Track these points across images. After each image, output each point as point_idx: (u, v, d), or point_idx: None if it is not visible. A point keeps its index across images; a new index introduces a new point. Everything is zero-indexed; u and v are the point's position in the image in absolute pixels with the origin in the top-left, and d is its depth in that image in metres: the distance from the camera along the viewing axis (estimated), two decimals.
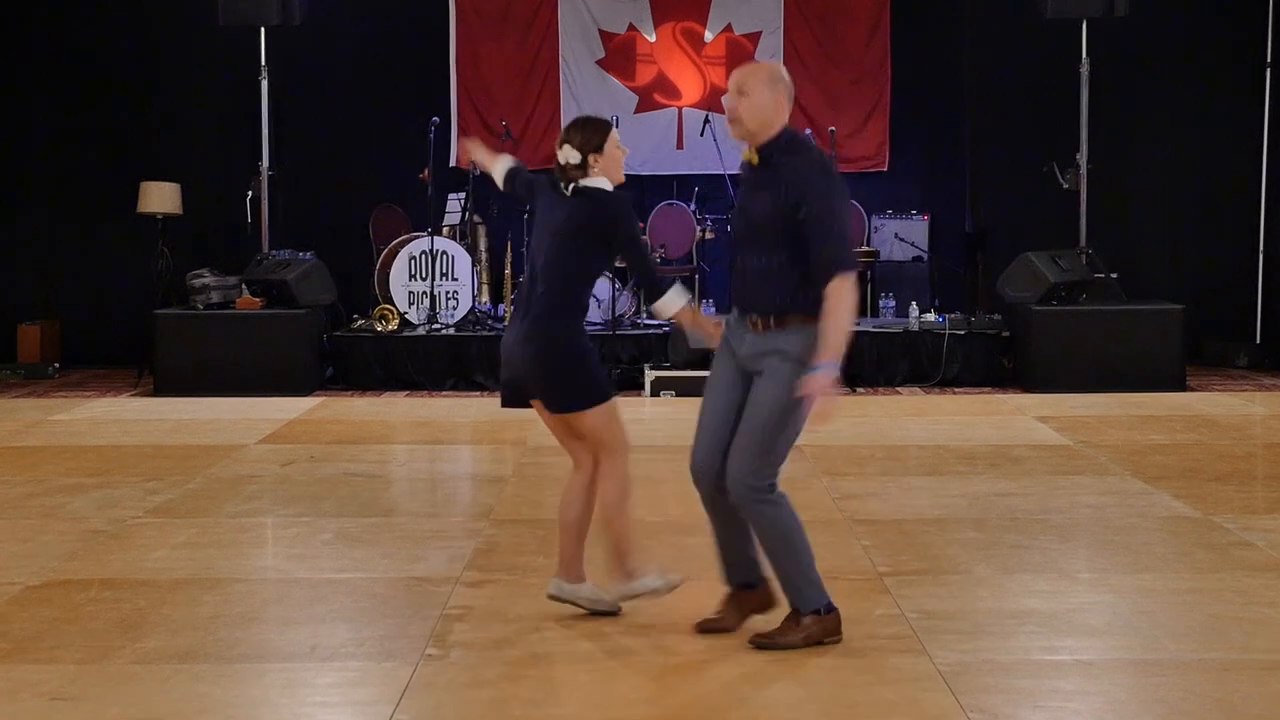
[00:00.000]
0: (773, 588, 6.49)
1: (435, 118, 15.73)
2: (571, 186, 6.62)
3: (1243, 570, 7.53)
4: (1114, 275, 15.19)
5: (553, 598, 6.77)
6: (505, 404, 6.89)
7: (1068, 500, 9.33)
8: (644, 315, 15.84)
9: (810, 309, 6.12)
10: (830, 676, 5.95)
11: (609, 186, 6.65)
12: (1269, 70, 16.56)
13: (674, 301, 6.69)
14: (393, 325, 15.09)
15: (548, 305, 6.56)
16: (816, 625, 6.30)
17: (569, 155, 6.61)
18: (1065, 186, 15.41)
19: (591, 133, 6.66)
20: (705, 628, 6.54)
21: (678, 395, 14.07)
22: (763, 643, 6.30)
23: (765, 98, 6.25)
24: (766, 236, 6.22)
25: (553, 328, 6.55)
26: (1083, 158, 15.35)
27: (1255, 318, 16.71)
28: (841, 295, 6.06)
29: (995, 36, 16.74)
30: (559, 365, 6.57)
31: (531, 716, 5.60)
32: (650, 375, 14.28)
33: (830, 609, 6.33)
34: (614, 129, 6.76)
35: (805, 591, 6.32)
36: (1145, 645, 6.36)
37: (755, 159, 6.31)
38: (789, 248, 6.15)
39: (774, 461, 6.20)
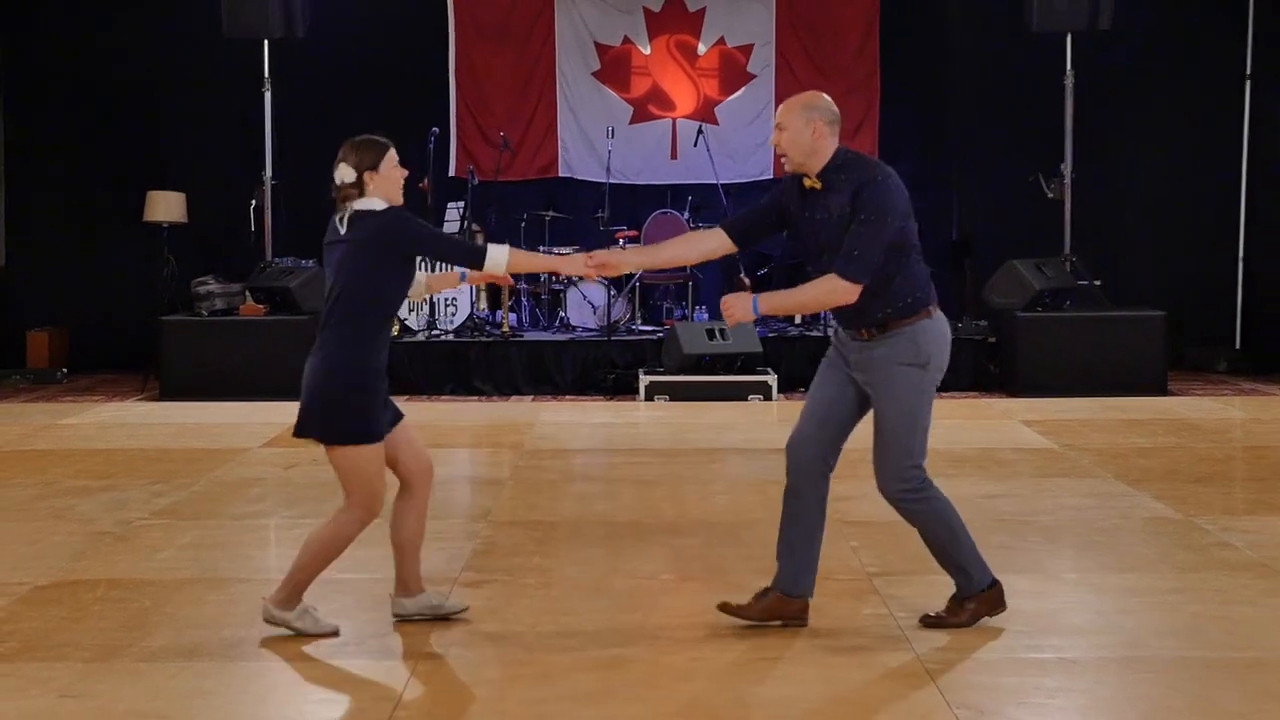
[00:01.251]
0: (809, 605, 6.53)
1: (435, 128, 15.74)
2: (346, 218, 6.37)
3: (1223, 570, 7.54)
4: (1097, 282, 15.21)
5: (398, 616, 6.68)
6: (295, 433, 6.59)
7: (1052, 502, 9.34)
8: (638, 322, 15.86)
9: (904, 313, 6.29)
10: (820, 673, 5.95)
11: (380, 206, 6.38)
12: (1248, 82, 16.59)
13: (497, 256, 6.41)
14: (393, 331, 15.07)
15: (337, 333, 6.37)
16: (981, 604, 6.50)
17: (344, 174, 6.39)
18: (1050, 196, 15.43)
19: (366, 152, 6.44)
20: (726, 609, 6.60)
21: (671, 400, 14.07)
22: (932, 622, 6.49)
23: (800, 128, 6.35)
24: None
25: (335, 355, 6.37)
26: (1067, 167, 15.37)
27: (1235, 324, 16.74)
28: (823, 285, 6.22)
29: (982, 49, 16.76)
30: (324, 391, 6.42)
31: (528, 714, 5.60)
32: (645, 380, 14.28)
33: (993, 583, 6.52)
34: (391, 149, 6.51)
35: (970, 572, 6.49)
36: (1128, 643, 6.36)
37: (819, 185, 6.39)
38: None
39: (915, 459, 6.36)
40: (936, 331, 6.36)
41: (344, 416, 6.36)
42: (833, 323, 6.56)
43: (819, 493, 6.50)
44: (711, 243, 6.73)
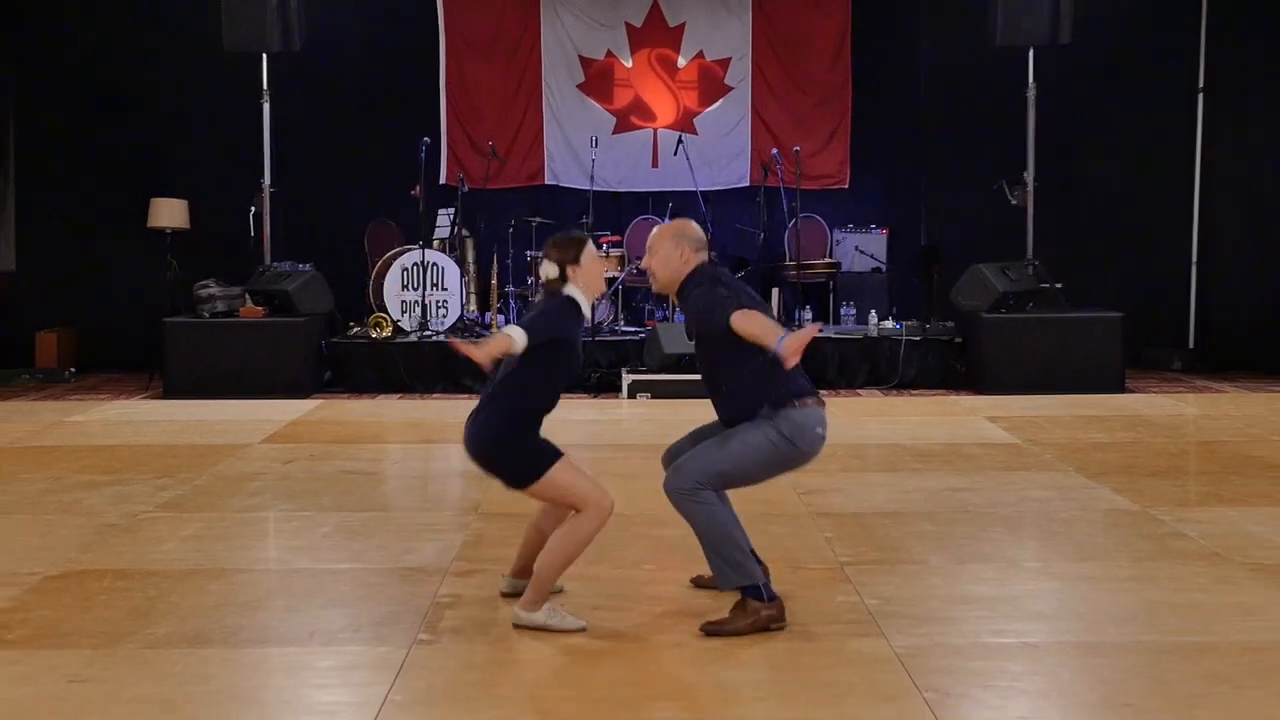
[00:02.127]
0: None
1: (426, 138, 15.73)
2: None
3: (1177, 559, 7.57)
4: (1058, 285, 15.24)
5: (505, 594, 6.78)
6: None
7: (1015, 494, 9.36)
8: (621, 323, 15.86)
9: (782, 404, 6.31)
10: (794, 659, 5.97)
11: (578, 296, 6.45)
12: (1201, 95, 16.62)
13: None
14: (387, 332, 15.09)
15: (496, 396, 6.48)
16: (767, 611, 6.34)
17: (548, 270, 6.48)
18: (1014, 203, 15.45)
19: (567, 247, 6.49)
20: (700, 583, 6.78)
21: (653, 397, 14.08)
22: (711, 629, 6.33)
23: (670, 254, 6.53)
24: (715, 357, 6.44)
25: (502, 410, 6.44)
26: (1030, 175, 15.40)
27: (1189, 325, 16.78)
28: (745, 316, 6.17)
29: (949, 63, 16.78)
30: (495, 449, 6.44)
31: (517, 696, 5.61)
32: (627, 379, 14.29)
33: (773, 596, 6.37)
34: (590, 243, 6.56)
35: (738, 569, 6.36)
36: (1087, 629, 6.39)
37: (677, 300, 6.64)
38: (738, 361, 6.31)
39: (707, 480, 6.30)
40: (799, 417, 6.32)
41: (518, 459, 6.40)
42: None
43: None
44: None
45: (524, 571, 6.77)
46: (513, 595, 6.78)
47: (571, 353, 6.47)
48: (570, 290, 6.46)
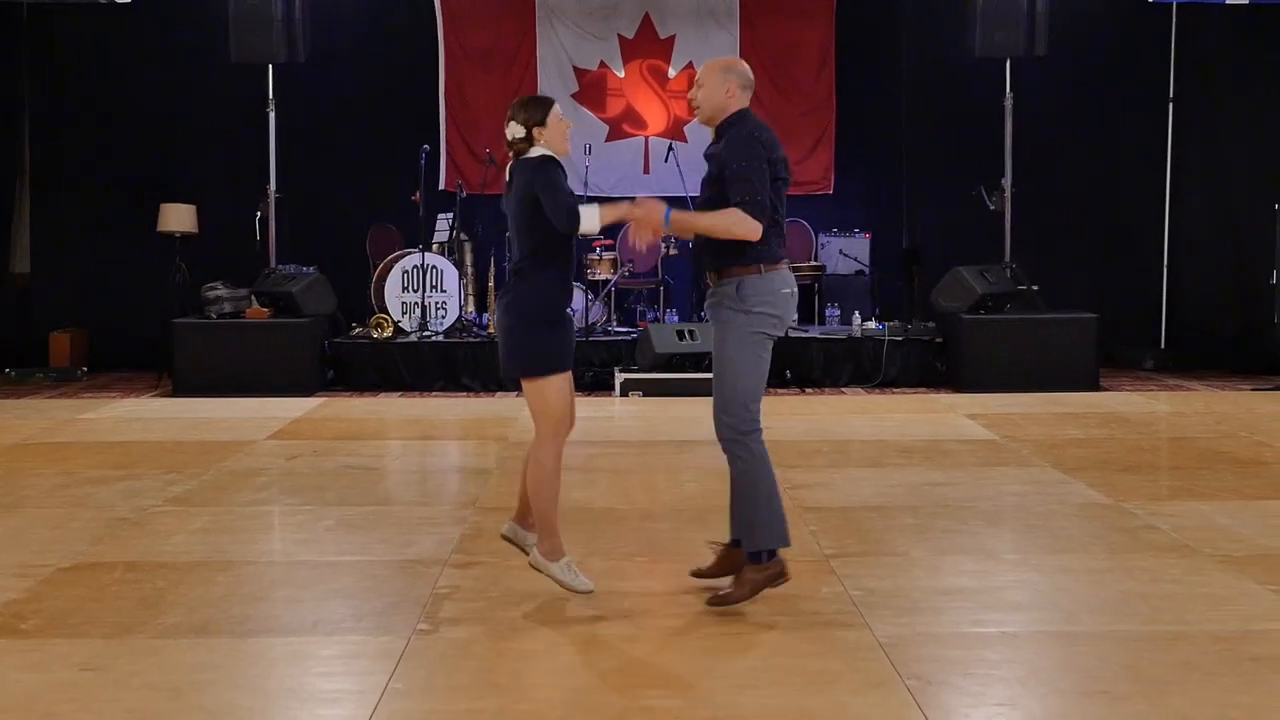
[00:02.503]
0: (784, 566, 6.57)
1: (426, 145, 15.70)
2: (509, 166, 6.53)
3: (1150, 551, 7.56)
4: (1035, 287, 15.24)
5: (504, 537, 6.86)
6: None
7: (994, 489, 9.35)
8: (614, 323, 15.84)
9: (747, 261, 6.38)
10: (782, 648, 5.96)
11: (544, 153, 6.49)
12: (1171, 104, 16.64)
13: (590, 217, 6.37)
14: (388, 333, 15.07)
15: (517, 272, 6.49)
16: (760, 575, 6.45)
17: (514, 131, 6.48)
18: (992, 208, 15.44)
19: (534, 108, 6.50)
20: (698, 573, 6.76)
21: (644, 395, 14.07)
22: (718, 601, 6.44)
23: (716, 86, 6.53)
24: (712, 200, 6.47)
25: (519, 294, 6.47)
26: (1007, 181, 15.40)
27: (1160, 325, 16.79)
28: (732, 214, 6.33)
29: (930, 73, 16.78)
30: (515, 330, 6.47)
31: (514, 685, 5.60)
32: (620, 377, 14.27)
33: (773, 555, 6.45)
34: (556, 104, 6.57)
35: (754, 535, 6.43)
36: (1063, 618, 6.38)
37: (714, 135, 6.60)
38: (718, 203, 6.41)
39: (739, 402, 6.35)
40: (763, 285, 6.41)
41: (528, 353, 6.46)
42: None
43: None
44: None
45: (523, 513, 6.77)
46: (510, 539, 6.80)
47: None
48: (540, 150, 6.46)
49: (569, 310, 6.61)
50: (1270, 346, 15.32)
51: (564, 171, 6.51)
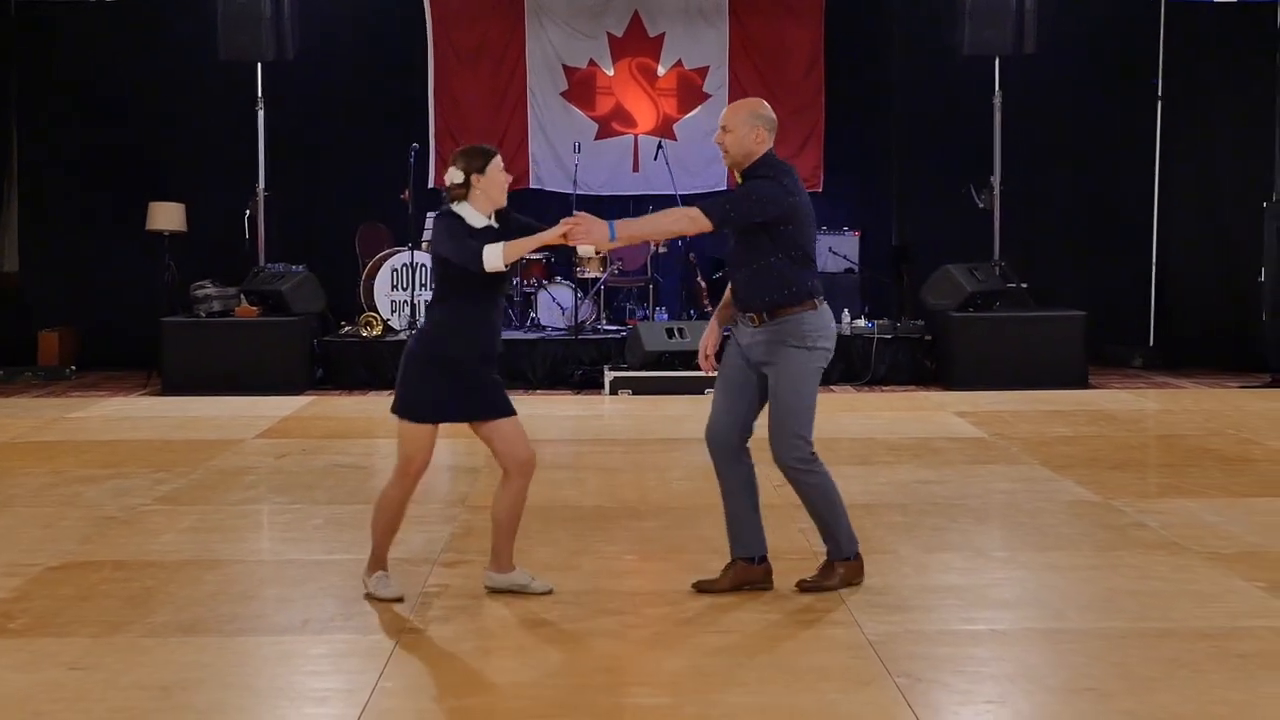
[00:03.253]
0: (770, 567, 6.77)
1: (415, 144, 15.68)
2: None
3: (1138, 549, 7.58)
4: (1024, 285, 15.26)
5: (488, 588, 6.78)
6: None
7: (982, 487, 9.37)
8: (604, 322, 15.84)
9: (801, 297, 6.57)
10: (773, 646, 5.97)
11: (463, 211, 6.54)
12: (1159, 102, 16.67)
13: (493, 257, 6.35)
14: (377, 331, 15.06)
15: (428, 309, 6.74)
16: (849, 571, 6.76)
17: (453, 176, 6.55)
18: (981, 206, 15.47)
19: (475, 157, 6.57)
20: (701, 587, 6.76)
21: (634, 393, 14.07)
22: (807, 585, 6.69)
23: (745, 133, 6.60)
24: (748, 243, 6.58)
25: (422, 330, 6.70)
26: (996, 179, 15.42)
27: (1148, 324, 16.83)
28: (679, 212, 6.66)
29: (919, 71, 16.78)
30: (405, 361, 6.65)
31: (503, 683, 5.60)
32: (609, 376, 14.27)
33: (857, 555, 6.80)
34: (498, 156, 6.63)
35: (840, 542, 6.74)
36: (1052, 616, 6.40)
37: (740, 178, 6.71)
38: (769, 251, 6.53)
39: (803, 433, 6.57)
40: (819, 321, 6.62)
41: (400, 389, 6.63)
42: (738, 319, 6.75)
43: (741, 468, 6.71)
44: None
45: (496, 561, 6.82)
46: (497, 589, 6.79)
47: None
48: (459, 206, 6.55)
49: (481, 362, 6.54)
50: (1258, 344, 15.36)
51: (464, 223, 6.52)
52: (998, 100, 15.46)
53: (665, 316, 15.90)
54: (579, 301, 15.38)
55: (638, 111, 17.28)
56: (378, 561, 6.70)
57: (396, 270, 15.30)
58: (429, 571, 7.15)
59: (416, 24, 17.01)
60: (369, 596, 6.63)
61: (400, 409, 6.57)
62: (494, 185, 6.57)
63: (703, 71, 17.18)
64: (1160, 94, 16.64)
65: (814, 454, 6.63)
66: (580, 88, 17.24)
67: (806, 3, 17.13)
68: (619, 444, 11.28)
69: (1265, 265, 15.02)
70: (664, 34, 17.17)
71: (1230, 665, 5.67)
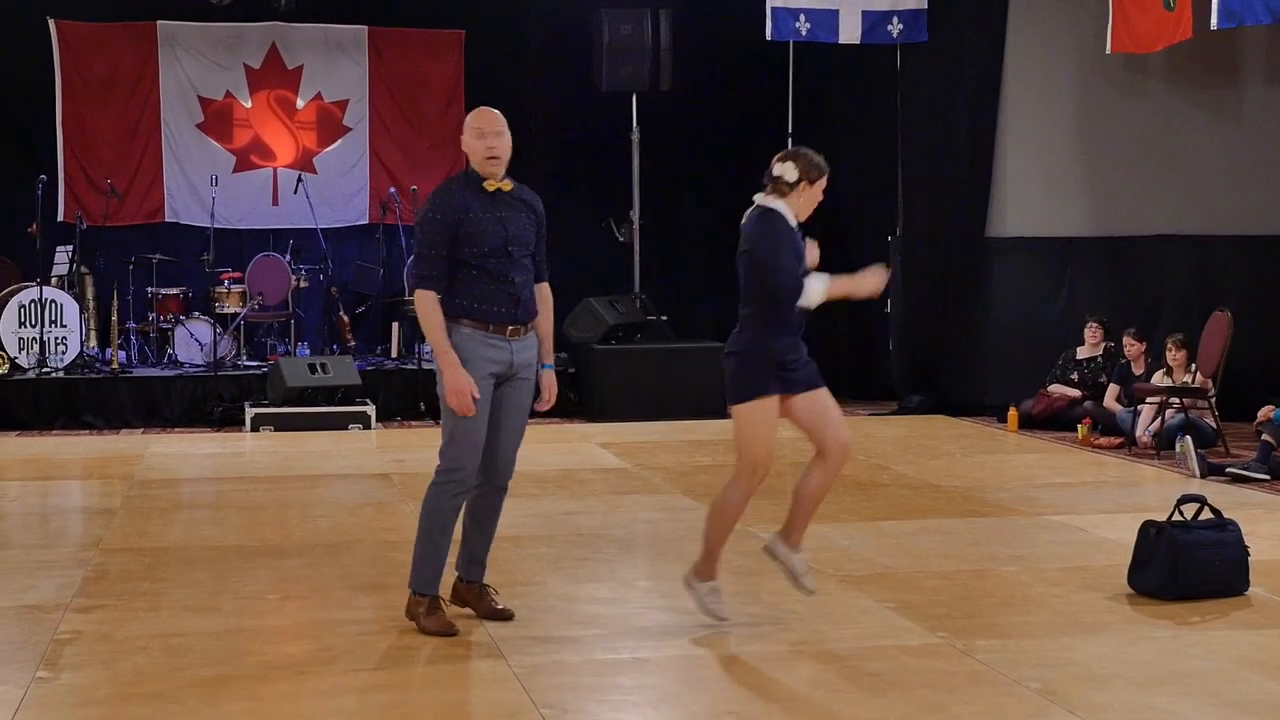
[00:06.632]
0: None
1: (43, 175, 15.15)
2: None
3: (774, 574, 7.72)
4: (664, 317, 15.56)
5: (768, 551, 6.98)
6: None
7: (626, 516, 9.49)
8: (244, 357, 15.54)
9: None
10: (417, 682, 5.93)
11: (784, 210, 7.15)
12: (790, 139, 17.19)
13: (813, 292, 7.28)
14: (3, 370, 14.47)
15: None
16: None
17: (788, 172, 7.10)
18: (621, 239, 15.72)
19: (812, 167, 7.06)
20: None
21: (276, 430, 13.82)
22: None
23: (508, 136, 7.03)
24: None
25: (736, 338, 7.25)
26: (635, 213, 15.69)
27: None
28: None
29: (557, 106, 16.94)
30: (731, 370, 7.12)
31: None
32: (250, 412, 13.99)
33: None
34: (826, 176, 7.11)
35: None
36: (695, 642, 6.50)
37: (508, 185, 7.16)
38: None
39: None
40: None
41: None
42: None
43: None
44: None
45: (786, 533, 7.00)
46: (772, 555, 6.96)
47: None
48: (781, 204, 7.15)
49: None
50: (885, 375, 15.94)
51: (786, 222, 7.15)
52: (635, 136, 15.75)
53: (307, 351, 15.68)
54: (218, 337, 15.06)
55: (277, 144, 17.03)
56: (709, 570, 6.78)
57: (24, 306, 14.71)
58: (61, 617, 6.87)
59: (42, 53, 16.40)
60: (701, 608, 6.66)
61: (736, 398, 7.02)
62: (813, 201, 6.94)
63: (343, 105, 17.05)
64: (790, 131, 17.17)
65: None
66: (216, 119, 16.90)
67: (446, 38, 17.17)
68: (261, 481, 11.07)
69: (891, 298, 15.59)
70: (303, 66, 16.98)
71: (864, 683, 5.86)
